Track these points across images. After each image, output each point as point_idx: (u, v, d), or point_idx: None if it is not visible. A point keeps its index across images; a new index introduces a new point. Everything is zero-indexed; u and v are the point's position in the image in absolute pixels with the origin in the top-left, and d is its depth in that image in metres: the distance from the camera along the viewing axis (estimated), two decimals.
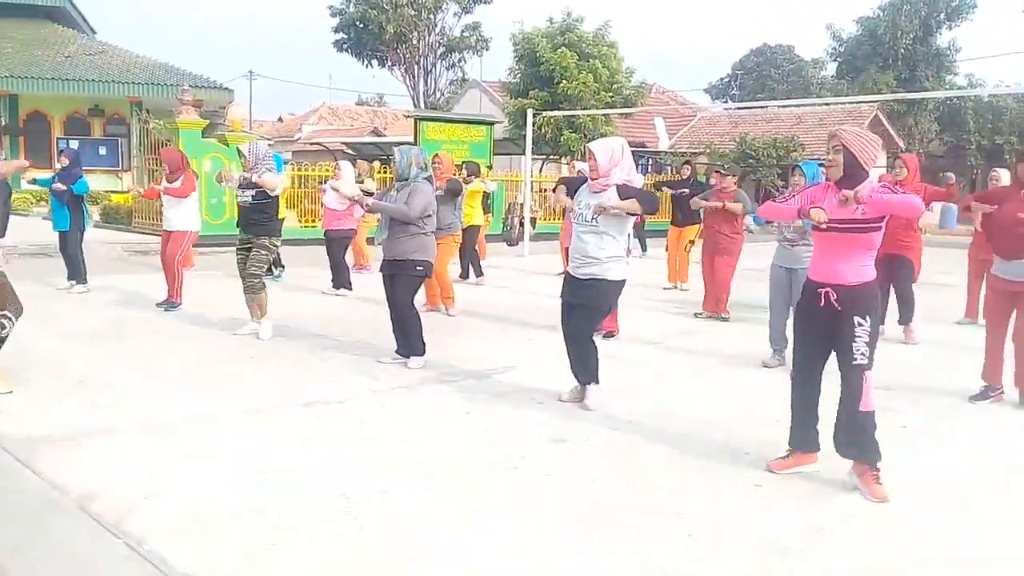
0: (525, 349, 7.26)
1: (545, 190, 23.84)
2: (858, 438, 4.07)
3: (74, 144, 22.77)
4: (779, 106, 32.37)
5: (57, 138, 25.78)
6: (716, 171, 9.72)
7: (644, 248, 16.21)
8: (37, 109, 26.43)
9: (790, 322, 6.56)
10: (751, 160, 27.18)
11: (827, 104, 30.99)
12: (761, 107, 33.27)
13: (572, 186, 5.56)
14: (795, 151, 27.65)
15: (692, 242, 11.32)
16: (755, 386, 6.20)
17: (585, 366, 5.45)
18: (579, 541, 3.44)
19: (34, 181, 11.61)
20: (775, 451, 4.55)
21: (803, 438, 4.34)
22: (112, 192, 22.72)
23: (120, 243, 15.42)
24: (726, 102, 47.02)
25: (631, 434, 4.90)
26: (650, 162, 32.20)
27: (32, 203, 21.47)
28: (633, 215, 5.24)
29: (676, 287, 11.43)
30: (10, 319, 5.30)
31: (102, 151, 26.40)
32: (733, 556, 3.35)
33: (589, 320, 5.44)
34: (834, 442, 4.20)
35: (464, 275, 11.50)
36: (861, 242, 4.05)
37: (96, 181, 21.86)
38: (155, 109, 23.87)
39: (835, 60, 38.49)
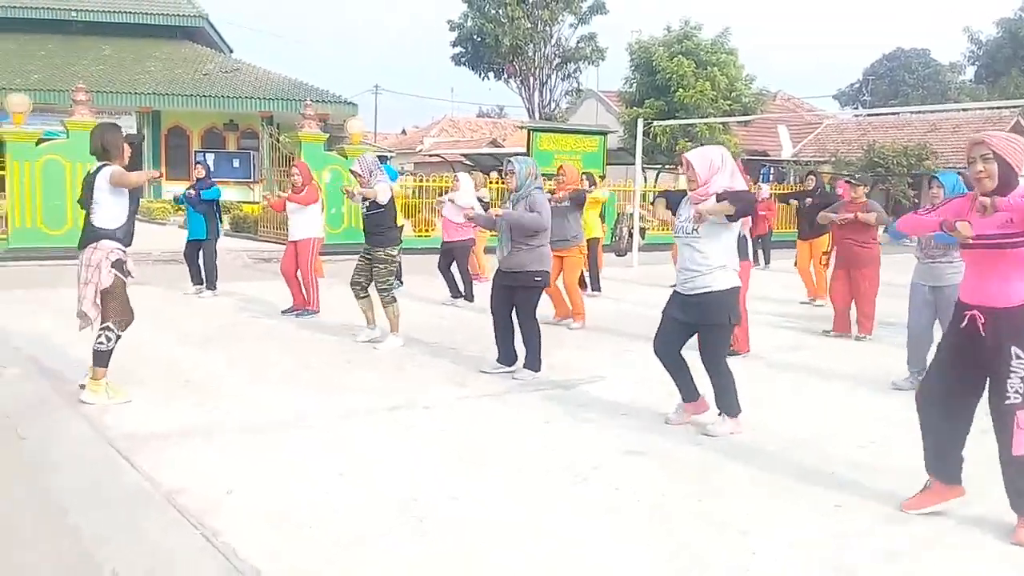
0: (618, 360, 7.22)
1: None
2: (1013, 482, 3.67)
3: (209, 156, 24.20)
4: (911, 112, 31.01)
5: (195, 151, 27.35)
6: (846, 181, 9.37)
7: (767, 260, 15.73)
8: (177, 124, 28.16)
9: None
10: (879, 169, 26.10)
11: (964, 110, 29.47)
12: (892, 113, 31.98)
13: (674, 200, 5.36)
14: (927, 159, 26.38)
15: (827, 254, 10.90)
16: (860, 407, 5.94)
17: (723, 395, 5.11)
18: (639, 553, 3.41)
19: (176, 200, 12.40)
20: (863, 473, 4.38)
21: (942, 467, 3.89)
22: (244, 203, 23.90)
23: (246, 251, 16.21)
24: (856, 108, 45.31)
25: (712, 450, 4.81)
26: (771, 171, 31.38)
27: (170, 213, 22.80)
28: (732, 219, 4.95)
29: (812, 302, 11.04)
30: (114, 332, 5.43)
31: (235, 164, 27.85)
32: None
33: (716, 340, 5.12)
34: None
35: (594, 287, 11.51)
36: (1013, 258, 3.60)
37: (229, 192, 23.11)
38: (285, 123, 25.03)
39: (973, 64, 36.61)
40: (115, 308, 5.44)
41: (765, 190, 16.06)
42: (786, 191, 19.43)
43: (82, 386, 5.57)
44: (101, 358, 5.41)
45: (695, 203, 5.03)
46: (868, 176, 10.73)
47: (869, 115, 34.37)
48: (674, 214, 5.31)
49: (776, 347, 7.96)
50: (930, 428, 3.92)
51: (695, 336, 5.18)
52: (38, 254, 13.96)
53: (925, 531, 3.71)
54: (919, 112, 30.83)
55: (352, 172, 7.69)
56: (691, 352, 5.22)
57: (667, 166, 26.24)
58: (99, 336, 5.41)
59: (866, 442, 5.00)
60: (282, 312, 9.27)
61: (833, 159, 28.46)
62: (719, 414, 5.13)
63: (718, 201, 4.91)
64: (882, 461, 4.60)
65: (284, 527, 3.61)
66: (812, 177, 11.72)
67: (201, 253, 10.61)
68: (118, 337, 5.46)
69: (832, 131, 33.89)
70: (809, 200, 10.67)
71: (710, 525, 3.72)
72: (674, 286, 5.29)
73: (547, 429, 5.14)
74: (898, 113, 31.72)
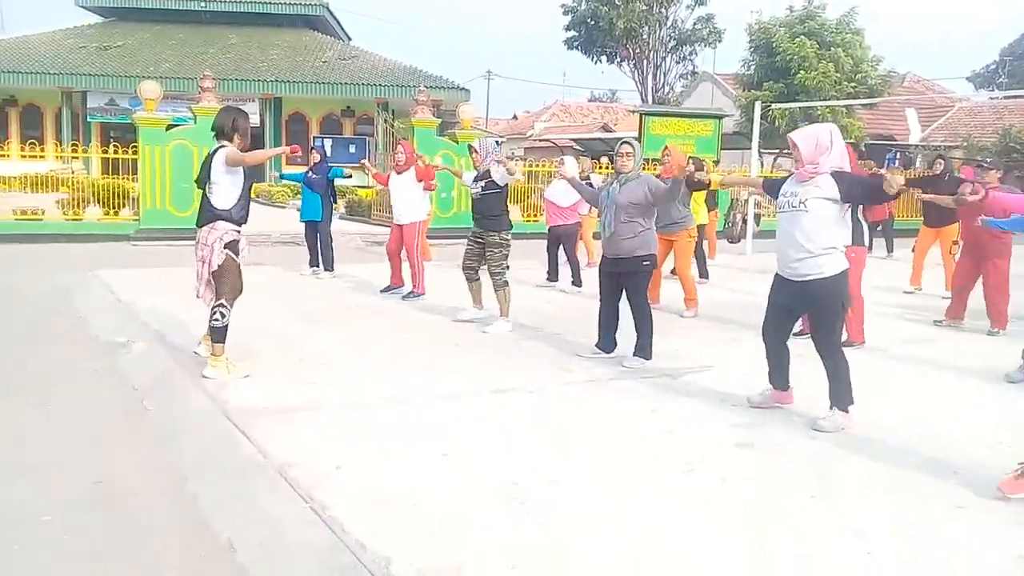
0: (727, 350, 7.04)
1: None
2: None
3: (327, 142, 24.88)
4: None
5: (313, 136, 28.18)
6: (977, 165, 8.88)
7: (890, 248, 15.11)
8: (298, 110, 29.08)
9: None
10: (1016, 155, 24.58)
11: None
12: None
13: (775, 185, 5.23)
14: None
15: (956, 243, 10.36)
16: (984, 402, 5.63)
17: (837, 384, 4.90)
18: (743, 547, 3.31)
19: (281, 177, 12.86)
20: (990, 475, 4.12)
21: None
22: (359, 187, 24.48)
23: (359, 234, 16.60)
24: (992, 90, 42.75)
25: (826, 444, 4.63)
26: (897, 156, 29.98)
27: (290, 196, 23.56)
28: (844, 200, 4.78)
29: (917, 291, 10.55)
30: (227, 308, 5.64)
31: (351, 149, 28.52)
32: None
33: (829, 326, 4.94)
34: None
35: (701, 274, 11.28)
36: None
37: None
38: (399, 109, 25.50)
39: None
40: (227, 285, 5.66)
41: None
42: (912, 177, 18.53)
43: (196, 352, 5.95)
44: (218, 334, 5.63)
45: (801, 180, 4.88)
46: (1001, 161, 10.06)
47: (1006, 97, 32.34)
48: (774, 198, 5.18)
49: (900, 339, 7.62)
50: None
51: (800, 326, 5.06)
52: (166, 234, 14.67)
53: None
54: None
55: (470, 147, 7.92)
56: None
57: (785, 151, 25.43)
58: (213, 314, 5.64)
59: (994, 442, 4.71)
60: (380, 291, 9.47)
61: (965, 144, 26.98)
62: (830, 408, 4.93)
63: (838, 183, 4.76)
64: (1010, 463, 4.30)
65: (389, 504, 3.66)
66: (941, 161, 11.12)
67: (317, 235, 10.93)
68: (230, 313, 5.67)
69: (964, 115, 32.13)
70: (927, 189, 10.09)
71: (824, 523, 3.58)
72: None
73: (654, 418, 5.05)
74: None
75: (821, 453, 4.50)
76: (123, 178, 17.15)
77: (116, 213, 16.29)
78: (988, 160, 9.10)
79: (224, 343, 5.66)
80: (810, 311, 5.01)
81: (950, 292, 10.39)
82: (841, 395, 4.91)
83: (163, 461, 4.28)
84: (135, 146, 15.79)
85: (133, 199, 16.54)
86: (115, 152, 16.59)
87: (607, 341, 6.56)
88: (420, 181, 9.52)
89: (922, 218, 10.99)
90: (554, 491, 3.85)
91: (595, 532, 3.43)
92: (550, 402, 5.36)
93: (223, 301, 5.63)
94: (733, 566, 3.19)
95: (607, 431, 4.79)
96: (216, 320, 5.61)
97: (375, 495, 3.75)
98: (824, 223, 4.79)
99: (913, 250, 11.04)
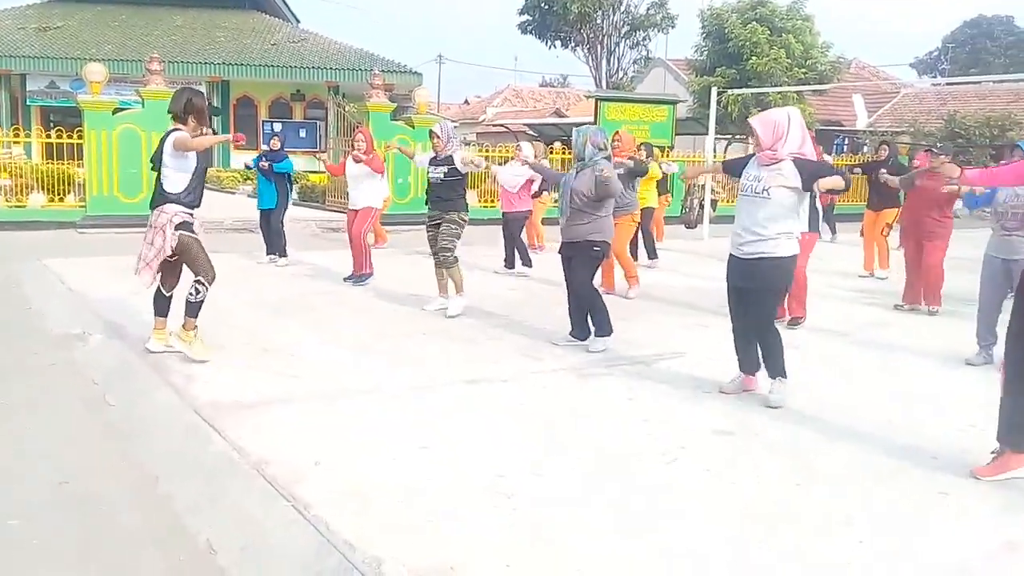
0: (696, 336, 7.05)
1: None
2: None
3: (276, 126, 24.38)
4: (995, 81, 29.68)
5: (263, 121, 27.64)
6: (927, 150, 9.05)
7: (833, 232, 15.37)
8: (246, 94, 28.44)
9: (1002, 318, 6.05)
10: (960, 140, 25.10)
11: None
12: (974, 83, 30.70)
13: (736, 166, 5.28)
14: (1011, 130, 25.29)
15: (889, 226, 10.60)
16: (951, 386, 5.71)
17: (772, 357, 5.12)
18: (734, 539, 3.28)
19: (247, 167, 12.61)
20: (966, 458, 4.17)
21: (1018, 437, 3.94)
22: (310, 172, 24.09)
23: (314, 220, 16.32)
24: (935, 77, 43.70)
25: (806, 431, 4.64)
26: (846, 141, 30.46)
27: (239, 181, 23.08)
28: (805, 189, 4.89)
29: (872, 275, 10.75)
30: (204, 284, 5.66)
31: (302, 133, 28.02)
32: (906, 569, 3.08)
33: (767, 304, 5.11)
34: None
35: (651, 256, 11.36)
36: None
37: (296, 162, 23.44)
38: (350, 93, 25.08)
39: None
40: (202, 263, 5.66)
41: (828, 161, 15.60)
42: (853, 163, 18.81)
43: (147, 349, 5.83)
44: (191, 308, 5.66)
45: (763, 164, 4.97)
46: (950, 146, 10.30)
47: (949, 84, 33.05)
48: (737, 177, 5.23)
49: (859, 324, 7.71)
50: (1009, 400, 3.96)
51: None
52: (114, 221, 14.23)
53: None
54: (1002, 81, 29.50)
55: (432, 133, 7.76)
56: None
57: (738, 136, 25.65)
58: (191, 288, 5.67)
59: (966, 425, 4.77)
60: (344, 279, 9.31)
61: (911, 129, 27.48)
62: (772, 378, 5.09)
63: (800, 170, 4.85)
64: (986, 446, 4.35)
65: (372, 501, 3.56)
66: (885, 147, 11.33)
67: (271, 222, 10.75)
68: (206, 289, 5.70)
69: (910, 101, 32.72)
70: (884, 171, 10.29)
71: (812, 511, 3.58)
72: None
73: (631, 407, 5.02)
74: (980, 82, 30.43)
75: (799, 439, 4.51)
76: (67, 163, 16.59)
77: (61, 200, 15.77)
78: (938, 145, 9.30)
79: (195, 318, 5.67)
80: (755, 289, 5.05)
81: (885, 272, 10.66)
82: (779, 367, 5.11)
83: (131, 459, 4.12)
84: (79, 130, 15.26)
85: (78, 185, 16.01)
86: (58, 137, 16.02)
87: (580, 329, 6.51)
88: (376, 171, 9.42)
89: (865, 203, 11.20)
90: (541, 485, 3.78)
91: (586, 527, 3.37)
92: (525, 392, 5.29)
93: (200, 277, 5.66)
94: (729, 559, 3.15)
95: (586, 421, 4.74)
96: (191, 295, 5.66)
97: (357, 491, 3.64)
98: (784, 211, 4.91)
99: (861, 234, 11.25)
